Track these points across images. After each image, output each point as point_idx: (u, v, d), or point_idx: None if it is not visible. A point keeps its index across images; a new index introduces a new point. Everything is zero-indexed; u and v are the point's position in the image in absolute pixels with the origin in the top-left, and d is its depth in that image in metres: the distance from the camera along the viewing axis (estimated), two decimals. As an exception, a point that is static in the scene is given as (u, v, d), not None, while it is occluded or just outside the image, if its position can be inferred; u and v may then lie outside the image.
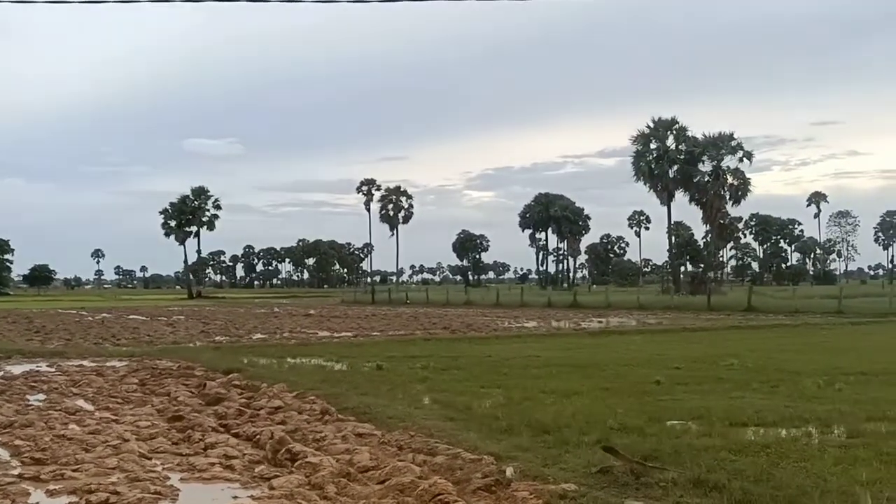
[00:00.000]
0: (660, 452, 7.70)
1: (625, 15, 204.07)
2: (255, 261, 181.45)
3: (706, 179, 61.36)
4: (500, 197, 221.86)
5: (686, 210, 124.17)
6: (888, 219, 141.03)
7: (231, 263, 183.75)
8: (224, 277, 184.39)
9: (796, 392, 11.95)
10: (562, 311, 41.32)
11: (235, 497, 6.61)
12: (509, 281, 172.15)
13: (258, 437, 8.36)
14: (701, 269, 73.57)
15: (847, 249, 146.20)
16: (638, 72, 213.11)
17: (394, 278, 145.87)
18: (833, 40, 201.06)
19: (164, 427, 9.20)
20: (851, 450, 7.97)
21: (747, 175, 63.37)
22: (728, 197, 62.31)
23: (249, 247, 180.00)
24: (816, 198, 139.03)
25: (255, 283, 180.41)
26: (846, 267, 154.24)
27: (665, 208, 64.86)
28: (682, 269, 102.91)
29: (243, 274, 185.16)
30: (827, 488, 6.30)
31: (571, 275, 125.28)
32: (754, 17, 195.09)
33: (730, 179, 61.64)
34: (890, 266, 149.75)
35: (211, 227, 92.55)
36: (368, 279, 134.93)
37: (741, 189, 62.01)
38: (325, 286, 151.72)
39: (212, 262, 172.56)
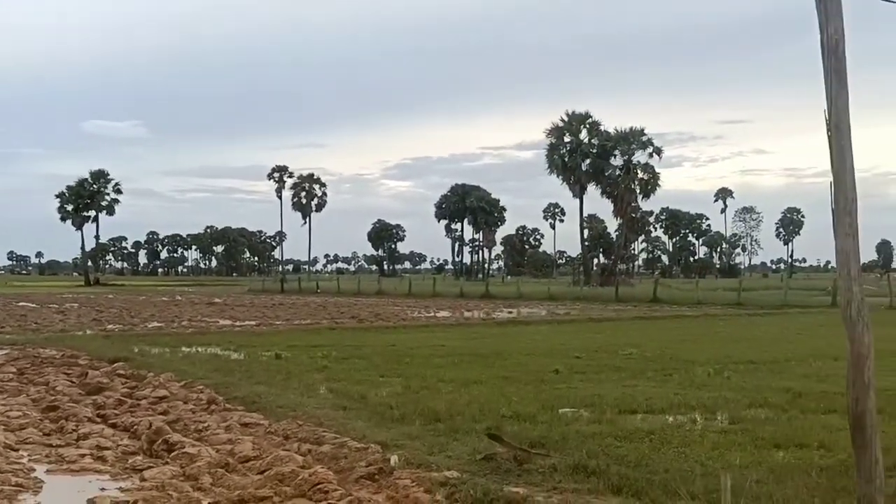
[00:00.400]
0: (548, 439, 7.79)
1: (546, 10, 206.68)
2: (159, 248, 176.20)
3: (617, 173, 62.73)
4: (418, 187, 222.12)
5: (600, 203, 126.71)
6: (788, 215, 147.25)
7: (133, 250, 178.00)
8: (126, 265, 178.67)
9: (687, 380, 12.28)
10: (474, 301, 41.61)
11: (103, 489, 6.31)
12: (426, 271, 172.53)
13: (136, 427, 8.04)
14: (611, 262, 75.06)
15: (751, 244, 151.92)
16: (557, 67, 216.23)
17: (306, 267, 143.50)
18: (743, 42, 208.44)
19: (36, 417, 8.76)
20: (730, 435, 8.22)
21: (658, 170, 65.18)
22: (638, 191, 63.86)
23: (153, 233, 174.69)
24: (723, 194, 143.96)
25: (160, 270, 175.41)
26: (750, 261, 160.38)
27: (578, 201, 66.18)
28: (595, 261, 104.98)
29: (146, 261, 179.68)
30: (700, 472, 6.46)
31: (486, 266, 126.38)
32: (669, 18, 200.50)
33: (640, 174, 63.21)
34: (790, 260, 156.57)
35: (111, 211, 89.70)
36: (281, 268, 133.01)
37: (650, 184, 63.59)
38: (235, 275, 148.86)
39: (112, 249, 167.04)
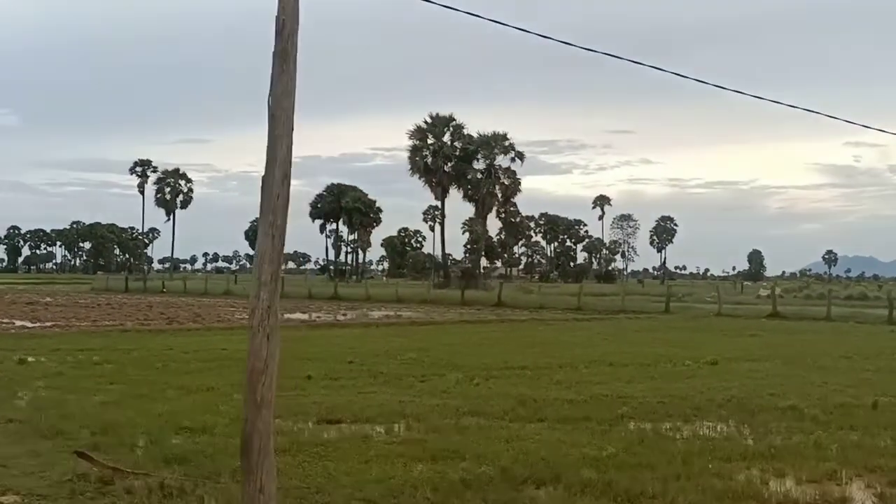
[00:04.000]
0: (194, 453, 7.46)
1: (444, 13, 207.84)
2: (21, 243, 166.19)
3: (479, 177, 63.02)
4: (306, 186, 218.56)
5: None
6: (662, 223, 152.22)
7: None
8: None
9: (432, 387, 12.05)
10: (319, 303, 40.74)
11: None
12: (311, 272, 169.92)
13: None
14: (469, 265, 75.55)
15: (628, 251, 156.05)
16: (452, 70, 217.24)
17: (186, 266, 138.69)
18: (632, 55, 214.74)
19: None
20: (404, 446, 7.97)
21: (519, 175, 65.60)
22: (500, 195, 64.37)
23: (14, 228, 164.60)
24: (601, 201, 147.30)
25: (22, 268, 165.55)
26: (627, 267, 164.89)
27: (464, 204, 65.75)
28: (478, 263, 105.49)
29: (5, 258, 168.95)
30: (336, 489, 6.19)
31: (361, 267, 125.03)
32: (566, 28, 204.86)
33: (502, 178, 63.65)
34: (663, 267, 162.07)
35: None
36: (156, 265, 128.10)
37: (511, 188, 64.22)
38: (100, 273, 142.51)
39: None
